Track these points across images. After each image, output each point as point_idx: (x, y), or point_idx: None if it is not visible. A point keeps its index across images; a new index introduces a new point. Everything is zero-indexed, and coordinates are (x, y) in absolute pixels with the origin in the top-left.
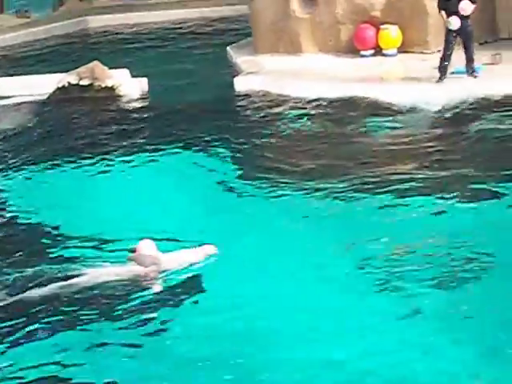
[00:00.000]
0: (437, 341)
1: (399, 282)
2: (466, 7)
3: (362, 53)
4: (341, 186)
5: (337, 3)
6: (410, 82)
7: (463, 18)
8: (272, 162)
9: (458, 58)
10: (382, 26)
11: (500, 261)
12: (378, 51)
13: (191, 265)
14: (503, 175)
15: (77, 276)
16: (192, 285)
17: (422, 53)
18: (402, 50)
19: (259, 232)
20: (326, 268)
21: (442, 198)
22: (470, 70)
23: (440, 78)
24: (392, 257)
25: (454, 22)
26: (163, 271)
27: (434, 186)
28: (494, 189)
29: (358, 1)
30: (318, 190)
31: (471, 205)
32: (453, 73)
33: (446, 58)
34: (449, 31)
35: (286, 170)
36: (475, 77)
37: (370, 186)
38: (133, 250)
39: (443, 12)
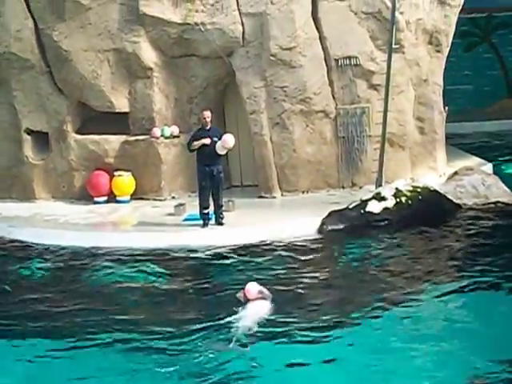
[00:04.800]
0: None
1: None
2: (229, 139)
3: (96, 199)
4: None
5: (70, 150)
6: (143, 228)
7: (218, 163)
8: None
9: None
10: (115, 173)
11: None
12: (112, 198)
13: None
14: None
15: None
16: None
17: (155, 199)
18: (136, 196)
19: None
20: None
21: None
22: (220, 215)
23: (205, 224)
24: None
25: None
26: None
27: None
28: None
29: (92, 147)
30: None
31: None
32: (186, 220)
33: (204, 204)
34: (202, 179)
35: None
36: (222, 224)
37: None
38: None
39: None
